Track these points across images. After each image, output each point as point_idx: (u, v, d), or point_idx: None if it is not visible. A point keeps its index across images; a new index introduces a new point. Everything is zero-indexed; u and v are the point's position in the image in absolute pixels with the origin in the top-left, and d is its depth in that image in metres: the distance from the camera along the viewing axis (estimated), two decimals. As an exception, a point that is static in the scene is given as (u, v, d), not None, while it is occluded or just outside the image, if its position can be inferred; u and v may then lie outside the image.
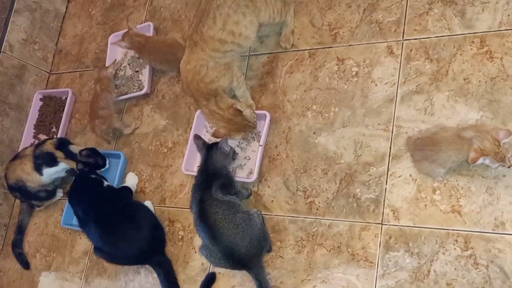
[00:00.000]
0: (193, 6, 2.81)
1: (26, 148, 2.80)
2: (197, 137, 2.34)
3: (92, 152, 2.60)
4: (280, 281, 2.13)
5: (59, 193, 2.84)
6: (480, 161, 1.75)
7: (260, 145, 2.32)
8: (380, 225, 2.01)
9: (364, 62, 2.25)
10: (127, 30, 2.77)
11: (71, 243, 2.75)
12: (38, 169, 2.63)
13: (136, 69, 2.88)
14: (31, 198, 2.78)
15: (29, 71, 3.19)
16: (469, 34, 2.08)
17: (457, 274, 1.84)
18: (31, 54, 3.21)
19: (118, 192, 2.55)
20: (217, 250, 2.09)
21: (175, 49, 2.63)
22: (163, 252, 2.41)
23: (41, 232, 2.87)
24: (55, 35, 3.36)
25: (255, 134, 2.38)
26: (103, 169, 2.64)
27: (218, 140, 2.28)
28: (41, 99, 3.15)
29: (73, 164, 2.60)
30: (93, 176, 2.54)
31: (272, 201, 2.26)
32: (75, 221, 2.57)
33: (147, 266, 2.44)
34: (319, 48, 2.38)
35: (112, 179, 2.64)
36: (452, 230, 1.89)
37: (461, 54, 2.06)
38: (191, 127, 2.52)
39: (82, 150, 2.59)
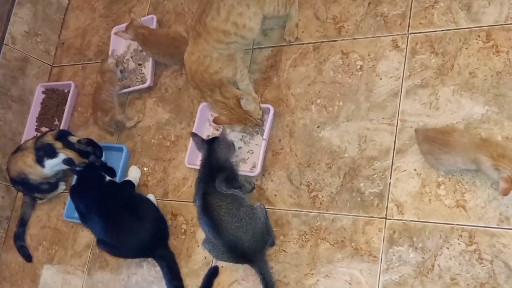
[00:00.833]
0: (196, -2, 2.80)
1: (28, 140, 2.79)
2: (194, 135, 2.34)
3: (91, 142, 2.61)
4: (283, 275, 2.12)
5: (62, 186, 2.84)
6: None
7: (263, 139, 2.31)
8: (384, 220, 2.01)
9: (368, 55, 2.23)
10: (130, 21, 2.75)
11: (74, 236, 2.75)
12: (40, 161, 2.62)
13: (139, 62, 2.86)
14: (34, 191, 2.77)
15: (31, 63, 3.18)
16: (475, 28, 2.06)
17: (461, 269, 1.83)
18: (34, 46, 3.20)
19: (121, 186, 2.55)
20: (220, 243, 2.08)
21: (178, 42, 2.61)
22: (167, 245, 2.40)
23: (44, 225, 2.87)
24: (58, 28, 3.35)
25: (258, 128, 2.37)
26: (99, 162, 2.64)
27: (217, 137, 2.28)
28: (43, 92, 3.14)
29: (71, 154, 2.59)
30: (95, 171, 2.54)
31: (275, 195, 2.25)
32: (77, 213, 2.57)
33: (149, 259, 2.44)
34: (323, 42, 2.37)
35: (114, 172, 2.65)
36: (456, 224, 1.88)
37: (466, 48, 2.05)
38: (194, 121, 2.52)
39: (81, 139, 2.61)
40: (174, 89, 2.72)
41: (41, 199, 2.86)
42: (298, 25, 2.43)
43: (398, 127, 2.08)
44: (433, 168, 1.96)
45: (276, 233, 2.19)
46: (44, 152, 2.61)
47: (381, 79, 2.18)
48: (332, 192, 2.14)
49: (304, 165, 2.23)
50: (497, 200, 1.84)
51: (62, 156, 2.61)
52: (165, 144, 2.64)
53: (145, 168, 2.65)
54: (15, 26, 3.10)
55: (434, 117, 2.02)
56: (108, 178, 2.52)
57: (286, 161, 2.28)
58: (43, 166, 2.63)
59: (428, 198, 1.95)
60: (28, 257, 2.82)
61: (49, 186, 2.76)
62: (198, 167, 2.30)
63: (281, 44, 2.47)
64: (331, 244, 2.07)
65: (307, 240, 2.13)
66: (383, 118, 2.12)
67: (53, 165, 2.64)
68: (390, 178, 2.04)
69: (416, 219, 1.95)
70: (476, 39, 2.04)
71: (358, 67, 2.24)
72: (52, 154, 2.61)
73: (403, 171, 2.02)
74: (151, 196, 2.51)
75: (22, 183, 2.71)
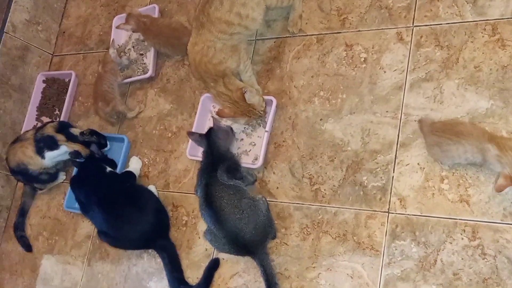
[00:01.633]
0: (199, -12, 2.77)
1: (27, 131, 2.78)
2: (190, 134, 2.35)
3: (93, 132, 2.62)
4: (284, 268, 2.12)
5: (61, 176, 2.83)
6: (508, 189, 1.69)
7: (266, 131, 2.30)
8: (387, 214, 2.00)
9: (373, 48, 2.22)
10: (129, 12, 2.73)
11: (74, 227, 2.74)
12: (40, 152, 2.61)
13: (141, 52, 2.84)
14: (33, 181, 2.76)
15: (32, 52, 3.15)
16: (480, 21, 2.04)
17: (464, 264, 1.82)
18: (34, 35, 3.17)
19: (121, 177, 2.54)
20: (221, 234, 2.08)
21: (180, 33, 2.60)
22: (167, 236, 2.40)
23: (44, 215, 2.86)
24: (59, 16, 3.32)
25: (261, 120, 2.36)
26: (105, 149, 2.65)
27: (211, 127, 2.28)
28: (44, 81, 3.12)
29: (74, 146, 2.59)
30: (96, 163, 2.54)
31: (277, 187, 2.24)
32: (77, 204, 2.56)
33: (150, 251, 2.43)
34: (327, 34, 2.35)
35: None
36: (459, 219, 1.87)
37: (472, 42, 2.03)
38: (196, 112, 2.50)
39: (83, 130, 2.60)
40: (176, 79, 2.70)
41: (41, 189, 2.85)
42: (302, 17, 2.41)
43: (401, 121, 2.07)
44: (437, 162, 1.95)
45: (278, 226, 2.18)
46: (44, 143, 2.60)
47: (385, 72, 2.16)
48: (334, 186, 2.13)
49: (307, 157, 2.22)
50: (501, 195, 1.83)
51: (64, 148, 2.60)
52: (167, 135, 2.62)
53: (146, 159, 2.63)
54: (16, 14, 3.07)
55: (439, 111, 2.00)
56: (108, 169, 2.51)
57: (288, 154, 2.26)
58: (43, 157, 2.62)
59: (431, 192, 1.94)
60: (28, 247, 2.81)
61: (49, 176, 2.75)
62: (199, 159, 2.29)
63: (284, 36, 2.44)
64: (333, 238, 2.07)
65: (308, 233, 2.12)
66: (387, 112, 2.11)
67: (53, 157, 2.64)
68: (393, 172, 2.03)
69: (419, 214, 1.94)
70: (482, 33, 2.02)
71: (362, 59, 2.23)
72: (53, 146, 2.60)
73: (407, 165, 2.01)
74: (152, 187, 2.50)
75: (21, 173, 2.70)
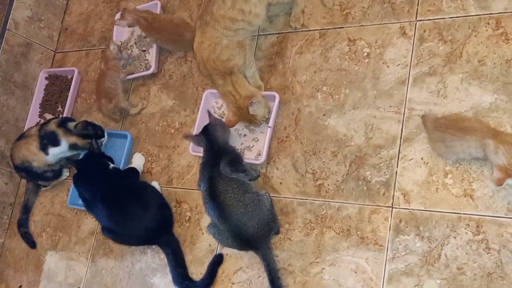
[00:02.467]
0: (201, -16, 2.77)
1: (31, 128, 2.78)
2: (187, 136, 2.38)
3: (87, 123, 2.60)
4: (288, 263, 2.12)
5: (65, 173, 2.83)
6: (509, 181, 1.68)
7: (268, 127, 2.29)
8: (390, 209, 1.99)
9: (376, 43, 2.21)
10: (124, 8, 2.72)
11: (77, 223, 2.74)
12: (44, 148, 2.62)
13: (143, 49, 2.84)
14: (38, 178, 2.77)
15: (34, 49, 3.15)
16: (484, 15, 2.03)
17: (468, 258, 1.82)
18: (37, 32, 3.17)
19: (125, 173, 2.55)
20: (225, 228, 2.08)
21: (182, 29, 2.60)
22: (171, 232, 2.40)
23: (47, 211, 2.87)
24: (61, 13, 3.32)
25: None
26: (103, 140, 2.63)
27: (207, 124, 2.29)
28: (46, 78, 3.12)
29: (73, 139, 2.59)
30: (99, 159, 2.54)
31: (280, 183, 2.24)
32: (81, 201, 2.56)
33: (153, 247, 2.44)
34: (329, 29, 2.34)
35: (118, 159, 2.62)
36: (464, 214, 1.87)
37: (475, 36, 2.02)
38: (198, 108, 2.50)
39: (77, 123, 2.59)
40: (178, 75, 2.69)
41: (45, 186, 2.85)
42: (304, 12, 2.40)
43: (405, 115, 2.06)
44: (440, 157, 1.95)
45: (281, 221, 2.18)
46: (48, 140, 2.61)
47: (388, 66, 2.15)
48: (337, 181, 2.12)
49: (310, 153, 2.21)
50: (505, 190, 1.82)
51: (64, 143, 2.60)
52: (170, 131, 2.62)
53: (149, 156, 2.63)
54: (18, 11, 3.07)
55: (442, 106, 2.00)
56: (112, 165, 2.51)
57: (291, 149, 2.26)
58: (47, 153, 2.62)
59: (435, 187, 1.94)
60: (32, 244, 2.82)
61: (53, 173, 2.76)
62: (202, 155, 2.29)
63: (287, 31, 2.44)
64: (336, 233, 2.07)
65: (312, 228, 2.12)
66: (390, 106, 2.10)
67: (56, 153, 2.64)
68: (397, 167, 2.03)
69: (423, 208, 1.94)
70: (486, 27, 2.02)
71: (365, 54, 2.22)
72: (56, 142, 2.61)
73: (410, 159, 2.01)
74: (155, 184, 2.50)
75: (26, 171, 2.71)
